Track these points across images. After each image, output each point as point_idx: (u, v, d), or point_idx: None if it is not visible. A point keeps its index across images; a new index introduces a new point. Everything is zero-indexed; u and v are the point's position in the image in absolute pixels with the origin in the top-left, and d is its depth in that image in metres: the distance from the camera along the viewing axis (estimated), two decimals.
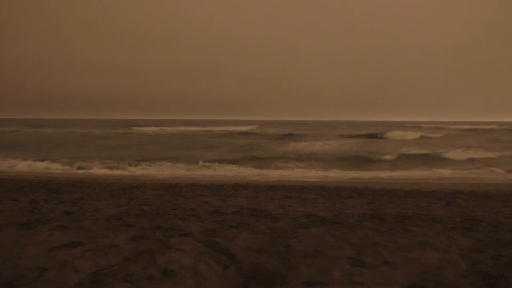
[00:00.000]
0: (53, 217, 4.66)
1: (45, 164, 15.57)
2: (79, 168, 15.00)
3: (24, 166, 15.05)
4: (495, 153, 21.09)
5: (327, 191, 8.35)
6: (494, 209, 6.19)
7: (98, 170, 14.54)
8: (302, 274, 2.96)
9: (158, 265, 3.02)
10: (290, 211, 5.58)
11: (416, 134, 38.35)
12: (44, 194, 7.02)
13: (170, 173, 14.03)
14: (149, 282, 2.71)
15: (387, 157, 19.23)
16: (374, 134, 40.84)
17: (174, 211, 5.31)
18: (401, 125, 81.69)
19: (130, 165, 15.41)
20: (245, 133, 46.55)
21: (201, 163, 15.91)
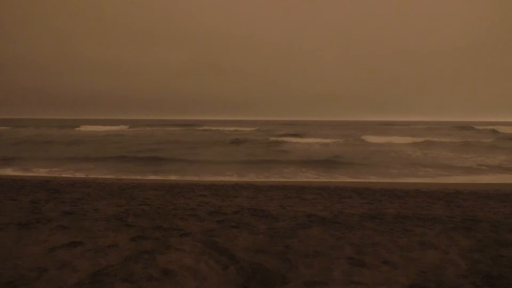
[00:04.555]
0: (53, 217, 4.66)
1: None
2: None
3: None
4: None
5: (327, 191, 8.34)
6: (494, 209, 6.19)
7: None
8: (302, 274, 2.96)
9: (158, 265, 3.02)
10: (290, 211, 5.58)
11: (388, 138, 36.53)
12: (44, 194, 7.02)
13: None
14: (149, 282, 2.71)
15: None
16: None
17: (174, 211, 5.31)
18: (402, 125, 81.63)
19: None
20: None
21: None
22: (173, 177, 12.55)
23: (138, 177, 12.57)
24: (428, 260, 3.32)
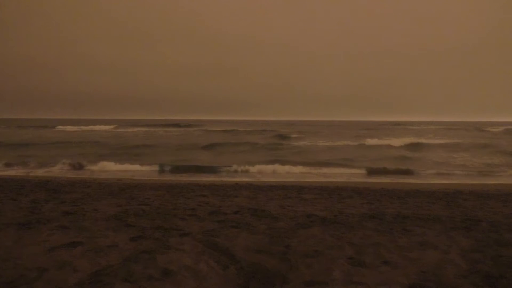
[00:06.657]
0: (53, 217, 4.66)
1: None
2: None
3: None
4: None
5: (327, 191, 8.34)
6: (494, 209, 6.19)
7: None
8: (302, 274, 2.96)
9: (158, 265, 3.02)
10: (290, 211, 5.58)
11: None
12: (44, 194, 7.01)
13: None
14: (149, 282, 2.71)
15: None
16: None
17: (174, 211, 5.31)
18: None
19: None
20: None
21: None
22: (173, 177, 12.56)
23: (138, 177, 12.58)
24: (428, 260, 3.32)
